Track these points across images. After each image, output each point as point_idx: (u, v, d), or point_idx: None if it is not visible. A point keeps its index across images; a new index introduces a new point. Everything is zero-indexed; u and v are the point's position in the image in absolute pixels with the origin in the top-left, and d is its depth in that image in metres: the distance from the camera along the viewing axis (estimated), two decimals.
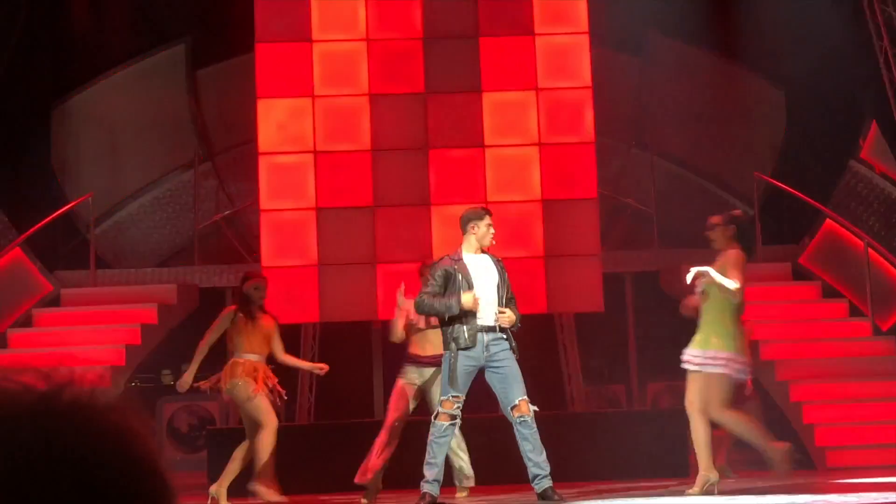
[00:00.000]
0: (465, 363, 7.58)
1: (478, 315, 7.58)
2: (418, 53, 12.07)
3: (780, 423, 11.48)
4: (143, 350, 11.91)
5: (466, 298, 7.51)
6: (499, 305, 7.64)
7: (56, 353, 11.21)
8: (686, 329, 13.25)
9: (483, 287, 7.65)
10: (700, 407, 7.77)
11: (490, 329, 7.60)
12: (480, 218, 7.78)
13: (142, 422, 1.12)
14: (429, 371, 8.60)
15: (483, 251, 7.80)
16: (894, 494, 7.64)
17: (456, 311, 7.53)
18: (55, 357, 10.77)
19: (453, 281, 7.65)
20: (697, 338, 7.94)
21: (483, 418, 9.70)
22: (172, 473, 1.13)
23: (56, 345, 11.45)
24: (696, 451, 7.88)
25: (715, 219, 8.10)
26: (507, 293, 7.74)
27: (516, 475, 8.23)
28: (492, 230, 7.78)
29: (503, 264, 7.88)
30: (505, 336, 7.64)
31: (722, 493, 8.02)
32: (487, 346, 7.58)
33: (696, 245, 13.53)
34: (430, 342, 8.49)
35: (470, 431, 8.79)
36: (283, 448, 10.51)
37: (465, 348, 7.54)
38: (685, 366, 7.92)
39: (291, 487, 10.16)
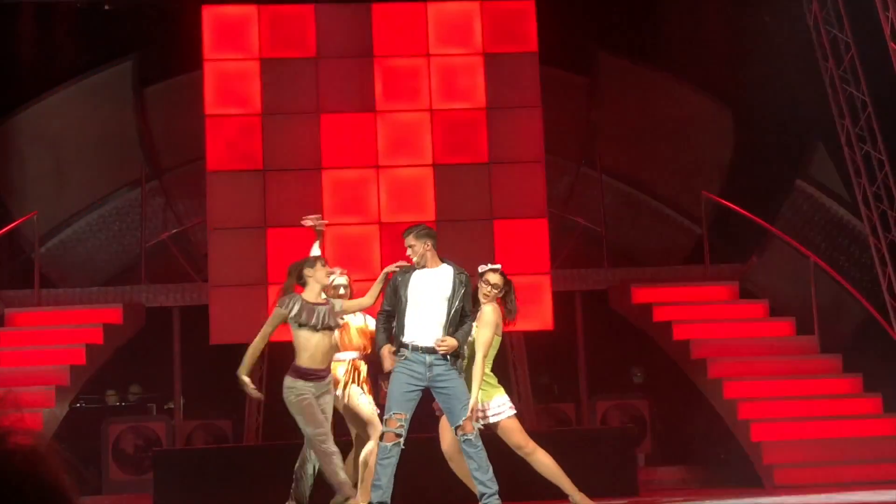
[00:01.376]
0: (407, 381, 7.52)
1: (416, 333, 7.54)
2: (369, 70, 12.05)
3: (728, 441, 11.54)
4: (89, 370, 11.77)
5: (383, 352, 7.58)
6: (448, 323, 7.56)
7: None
8: (635, 349, 13.33)
9: (427, 304, 7.58)
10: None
11: (432, 350, 7.55)
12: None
13: (48, 444, 1.13)
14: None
15: (441, 262, 7.73)
16: None
17: (378, 350, 7.64)
18: None
19: (399, 295, 7.60)
20: (498, 388, 7.84)
21: (429, 438, 9.66)
22: (80, 494, 1.14)
23: (0, 365, 11.29)
24: (557, 480, 7.87)
25: (498, 278, 7.91)
26: (463, 309, 7.64)
27: (465, 495, 8.19)
28: (409, 252, 7.70)
29: (466, 280, 7.74)
30: (446, 357, 7.56)
31: None
32: (430, 366, 7.53)
33: (644, 264, 13.62)
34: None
35: (416, 451, 8.72)
36: (232, 470, 10.42)
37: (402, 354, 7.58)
38: (502, 416, 7.79)
39: None
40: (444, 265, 7.70)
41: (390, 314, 7.66)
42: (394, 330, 7.64)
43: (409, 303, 7.55)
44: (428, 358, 7.52)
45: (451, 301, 7.58)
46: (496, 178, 12.01)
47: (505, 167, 12.03)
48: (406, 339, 7.55)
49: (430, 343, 7.53)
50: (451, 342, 7.48)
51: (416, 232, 7.70)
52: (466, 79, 12.14)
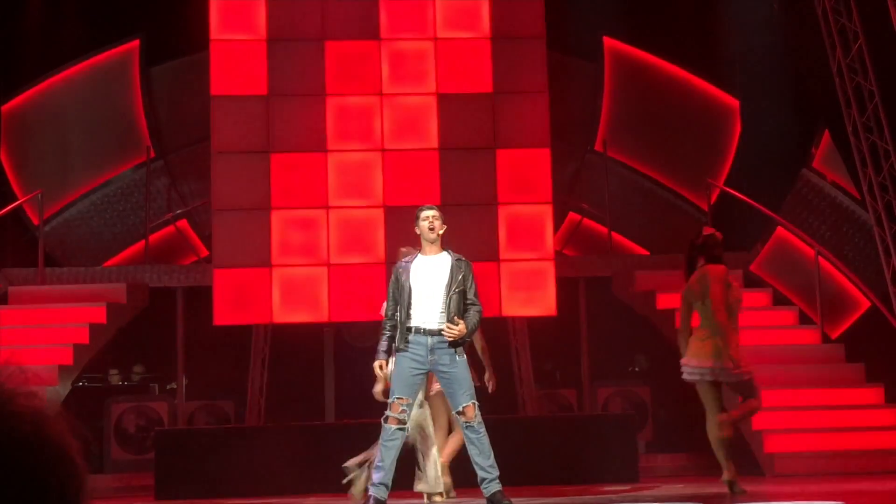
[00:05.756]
0: (410, 365, 7.54)
1: (420, 318, 7.56)
2: (376, 55, 12.03)
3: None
4: (92, 349, 11.78)
5: (376, 368, 7.63)
6: (446, 309, 7.55)
7: (2, 350, 11.07)
8: (636, 335, 13.33)
9: (428, 289, 7.60)
10: None
11: (435, 333, 7.56)
12: (416, 216, 7.81)
13: (53, 408, 1.14)
14: None
15: (442, 250, 7.75)
16: (840, 502, 7.69)
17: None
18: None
19: (401, 282, 7.62)
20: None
21: None
22: (91, 464, 1.16)
23: (3, 343, 11.30)
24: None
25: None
26: (467, 297, 7.62)
27: (466, 478, 8.21)
28: (427, 223, 7.70)
29: (464, 265, 7.71)
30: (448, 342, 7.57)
31: (673, 499, 8.03)
32: (432, 349, 7.54)
33: (649, 251, 13.61)
34: None
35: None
36: (233, 451, 10.44)
37: (398, 350, 7.56)
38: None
39: (241, 490, 10.09)
40: (444, 253, 7.73)
41: (393, 324, 7.63)
42: (396, 330, 7.63)
43: (412, 289, 7.58)
44: (430, 341, 7.54)
45: (448, 288, 7.57)
46: (502, 163, 12.00)
47: (510, 152, 12.02)
48: (410, 323, 7.56)
49: (431, 326, 7.55)
50: (460, 329, 7.47)
51: (441, 212, 7.78)
52: (473, 63, 12.12)
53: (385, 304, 7.85)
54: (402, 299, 7.61)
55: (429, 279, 7.60)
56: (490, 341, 9.20)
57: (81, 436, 1.20)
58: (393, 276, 7.73)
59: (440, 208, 7.95)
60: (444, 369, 7.55)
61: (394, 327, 7.62)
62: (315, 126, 11.92)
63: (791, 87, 13.07)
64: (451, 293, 7.56)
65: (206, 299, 11.73)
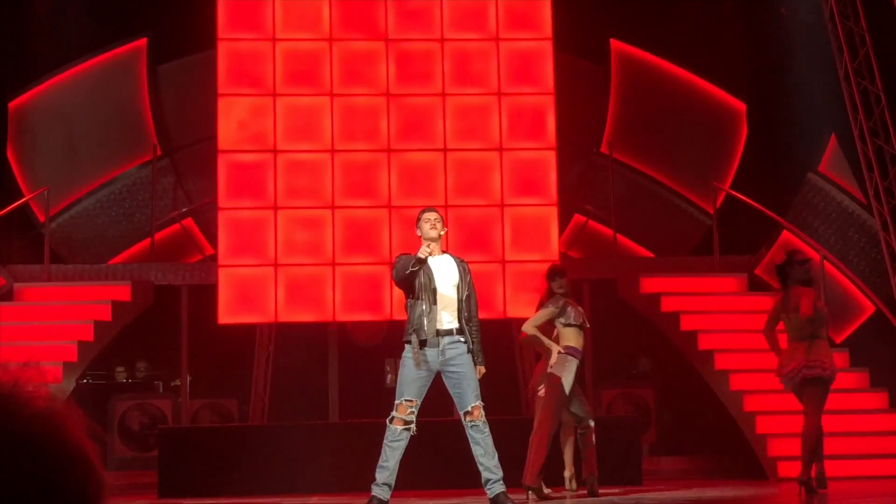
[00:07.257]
0: (418, 367, 7.54)
1: (436, 318, 7.56)
2: (382, 55, 12.04)
3: (733, 433, 11.54)
4: (96, 346, 11.80)
5: (423, 250, 7.43)
6: (459, 308, 7.60)
7: (7, 347, 11.08)
8: (640, 337, 13.32)
9: (440, 291, 7.61)
10: None
11: (447, 333, 7.56)
12: (418, 218, 7.81)
13: (70, 409, 1.15)
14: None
15: (444, 251, 7.78)
16: None
17: (415, 266, 7.44)
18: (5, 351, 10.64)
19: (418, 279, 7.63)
20: None
21: (436, 422, 9.69)
22: (105, 464, 1.16)
23: (8, 339, 11.32)
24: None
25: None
26: (467, 291, 7.70)
27: (469, 479, 8.21)
28: (428, 224, 7.69)
29: (467, 267, 7.80)
30: (463, 339, 7.59)
31: (677, 502, 8.02)
32: (444, 349, 7.55)
33: (654, 253, 13.60)
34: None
35: (423, 435, 8.74)
36: (237, 449, 10.45)
37: (423, 341, 7.51)
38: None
39: (245, 488, 10.10)
40: (446, 254, 7.76)
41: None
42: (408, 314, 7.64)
43: (422, 289, 7.57)
44: (441, 342, 7.55)
45: (459, 287, 7.61)
46: (507, 165, 12.00)
47: (517, 154, 12.02)
48: (426, 324, 7.54)
49: (443, 327, 7.56)
50: (482, 369, 7.69)
51: (440, 215, 7.82)
52: (480, 64, 12.13)
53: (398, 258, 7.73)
54: (410, 299, 7.61)
55: (439, 281, 7.61)
56: (493, 342, 9.22)
57: (98, 437, 1.20)
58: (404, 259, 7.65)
59: (438, 212, 7.95)
60: (455, 369, 7.55)
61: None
62: (321, 126, 11.93)
63: (798, 91, 13.06)
64: (463, 294, 7.60)
65: (211, 298, 11.74)
